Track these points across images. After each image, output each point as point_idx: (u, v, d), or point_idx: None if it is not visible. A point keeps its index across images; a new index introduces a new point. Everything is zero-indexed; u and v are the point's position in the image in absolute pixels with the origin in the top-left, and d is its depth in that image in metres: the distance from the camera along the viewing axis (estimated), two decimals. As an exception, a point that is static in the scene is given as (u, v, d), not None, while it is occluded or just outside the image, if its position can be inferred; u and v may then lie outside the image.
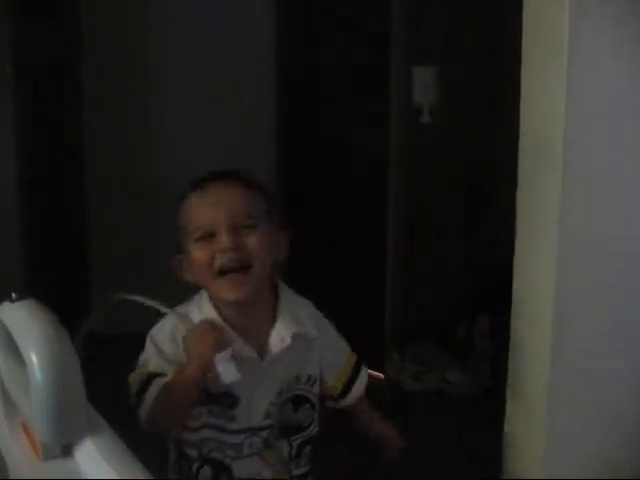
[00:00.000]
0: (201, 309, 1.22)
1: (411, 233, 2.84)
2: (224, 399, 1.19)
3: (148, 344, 1.21)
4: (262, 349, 1.20)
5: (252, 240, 1.15)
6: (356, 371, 1.37)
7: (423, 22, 2.76)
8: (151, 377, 1.16)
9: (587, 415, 1.40)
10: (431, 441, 2.19)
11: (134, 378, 1.19)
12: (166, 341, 1.19)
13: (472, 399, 2.28)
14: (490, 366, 2.43)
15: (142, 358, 1.21)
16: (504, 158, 1.53)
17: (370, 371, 2.85)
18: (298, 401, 1.27)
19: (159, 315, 1.24)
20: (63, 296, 1.91)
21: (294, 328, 1.21)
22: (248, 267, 1.14)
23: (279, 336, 1.20)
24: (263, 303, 1.23)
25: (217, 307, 1.21)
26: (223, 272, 1.14)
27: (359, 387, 1.37)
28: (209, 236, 1.14)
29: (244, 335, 1.19)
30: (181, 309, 1.23)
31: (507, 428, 1.48)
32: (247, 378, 1.16)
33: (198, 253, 1.16)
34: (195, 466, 1.23)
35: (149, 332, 1.23)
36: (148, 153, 3.21)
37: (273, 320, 1.22)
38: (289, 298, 1.26)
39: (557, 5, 1.23)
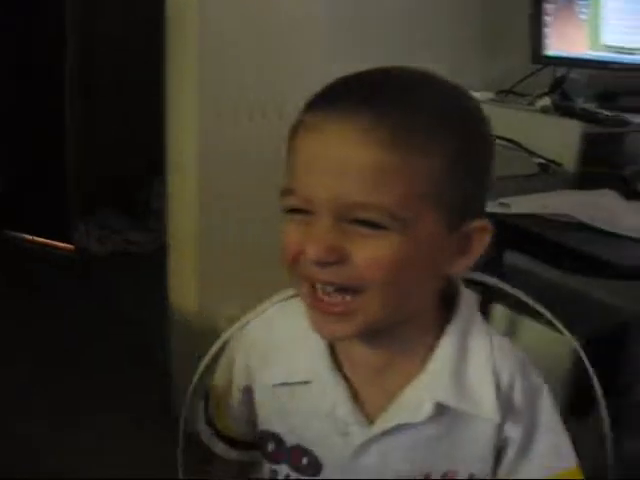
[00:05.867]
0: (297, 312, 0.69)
1: (88, 107, 2.92)
2: (302, 459, 0.73)
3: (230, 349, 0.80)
4: (381, 409, 0.68)
5: (367, 253, 0.59)
6: None
7: None
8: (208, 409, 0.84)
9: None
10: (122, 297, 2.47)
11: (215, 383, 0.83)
12: (241, 353, 0.78)
13: (153, 256, 2.50)
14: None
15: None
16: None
17: (59, 242, 2.99)
18: None
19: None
20: None
21: (441, 394, 0.66)
22: (358, 291, 0.61)
23: (413, 399, 0.67)
24: (411, 336, 0.68)
25: None
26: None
27: None
28: (304, 211, 0.61)
29: (358, 378, 0.70)
30: (286, 307, 0.75)
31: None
32: (340, 447, 0.70)
33: (286, 230, 0.63)
34: None
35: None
36: None
37: (422, 367, 0.68)
38: (464, 341, 0.68)
39: None
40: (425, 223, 0.60)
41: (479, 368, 0.68)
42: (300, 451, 0.73)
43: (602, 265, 0.95)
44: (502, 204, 1.14)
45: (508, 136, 1.41)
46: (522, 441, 0.69)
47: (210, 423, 0.83)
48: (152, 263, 2.05)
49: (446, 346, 0.67)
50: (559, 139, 1.40)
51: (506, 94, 1.78)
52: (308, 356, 0.70)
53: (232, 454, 0.83)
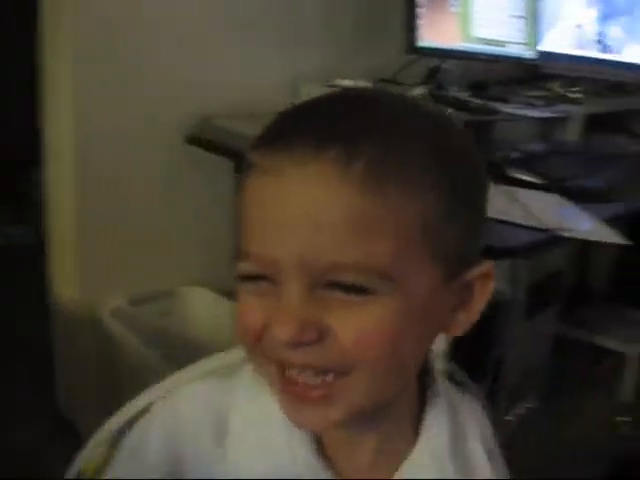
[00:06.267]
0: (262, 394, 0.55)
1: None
2: None
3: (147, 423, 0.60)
4: None
5: (353, 326, 0.46)
6: None
7: None
8: None
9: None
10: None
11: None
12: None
13: (34, 248, 2.43)
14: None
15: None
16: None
17: None
18: None
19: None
20: None
21: (444, 471, 0.56)
22: (343, 373, 0.48)
23: None
24: (401, 410, 0.57)
25: None
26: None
27: None
28: (265, 279, 0.48)
29: (347, 466, 0.57)
30: (227, 379, 0.59)
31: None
32: None
33: (242, 301, 0.50)
34: None
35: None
36: None
37: (412, 445, 0.57)
38: (450, 407, 0.59)
39: None
40: (419, 277, 0.47)
41: (470, 432, 0.59)
42: None
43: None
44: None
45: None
46: None
47: None
48: (33, 256, 2.00)
49: (436, 416, 0.57)
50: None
51: (385, 83, 1.83)
52: (286, 442, 0.55)
53: None
